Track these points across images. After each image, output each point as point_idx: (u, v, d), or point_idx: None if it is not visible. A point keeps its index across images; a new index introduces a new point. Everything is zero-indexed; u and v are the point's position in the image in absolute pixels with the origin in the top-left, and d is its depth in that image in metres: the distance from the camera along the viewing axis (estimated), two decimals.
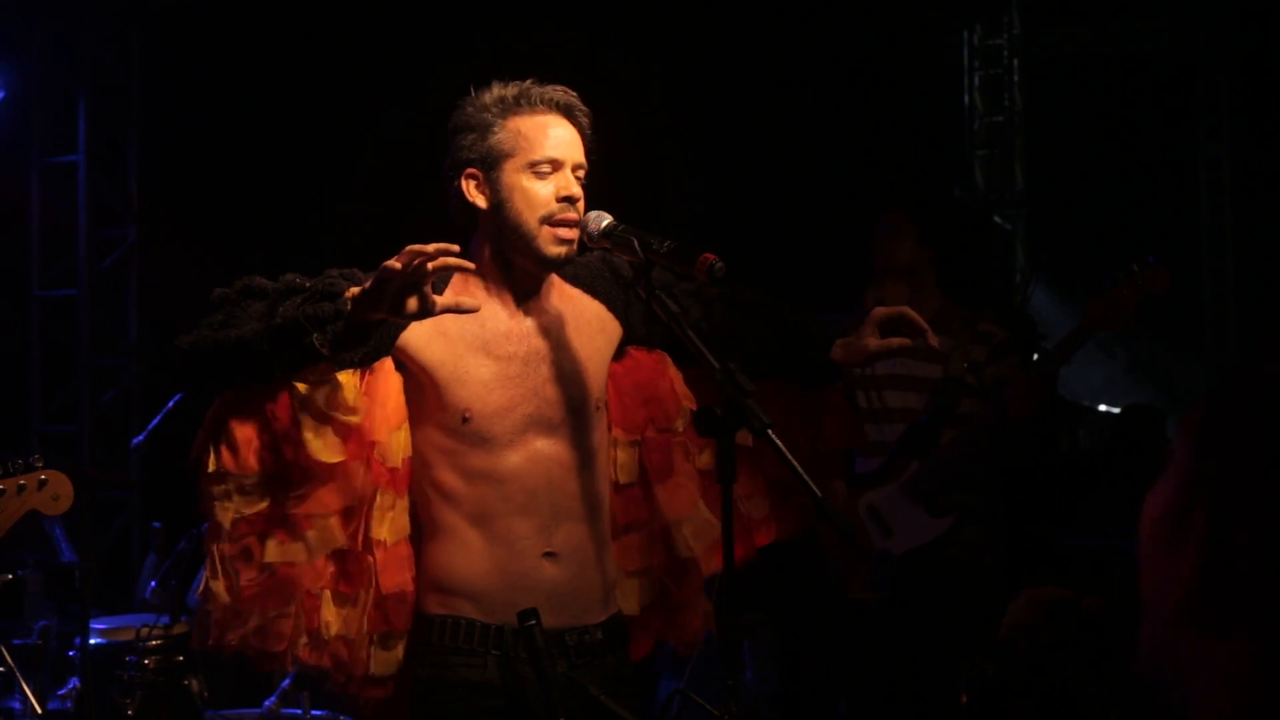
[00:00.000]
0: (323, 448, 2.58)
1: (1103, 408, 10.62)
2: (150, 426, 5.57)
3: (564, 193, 2.70)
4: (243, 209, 7.03)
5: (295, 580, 2.64)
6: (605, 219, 2.72)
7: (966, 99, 8.86)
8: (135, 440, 6.21)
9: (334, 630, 2.67)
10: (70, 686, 4.62)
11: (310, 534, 2.62)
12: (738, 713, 2.32)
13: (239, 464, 2.59)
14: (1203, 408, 1.09)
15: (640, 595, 2.96)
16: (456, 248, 2.43)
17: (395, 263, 2.35)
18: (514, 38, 6.65)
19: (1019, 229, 8.83)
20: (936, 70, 8.76)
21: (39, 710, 4.51)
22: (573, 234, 2.71)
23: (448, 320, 2.67)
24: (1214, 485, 1.03)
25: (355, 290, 2.45)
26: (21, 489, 2.93)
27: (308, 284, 2.51)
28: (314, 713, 4.76)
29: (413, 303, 2.42)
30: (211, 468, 2.61)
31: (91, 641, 4.37)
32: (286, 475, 2.63)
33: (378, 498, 2.69)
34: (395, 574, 2.72)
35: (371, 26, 7.08)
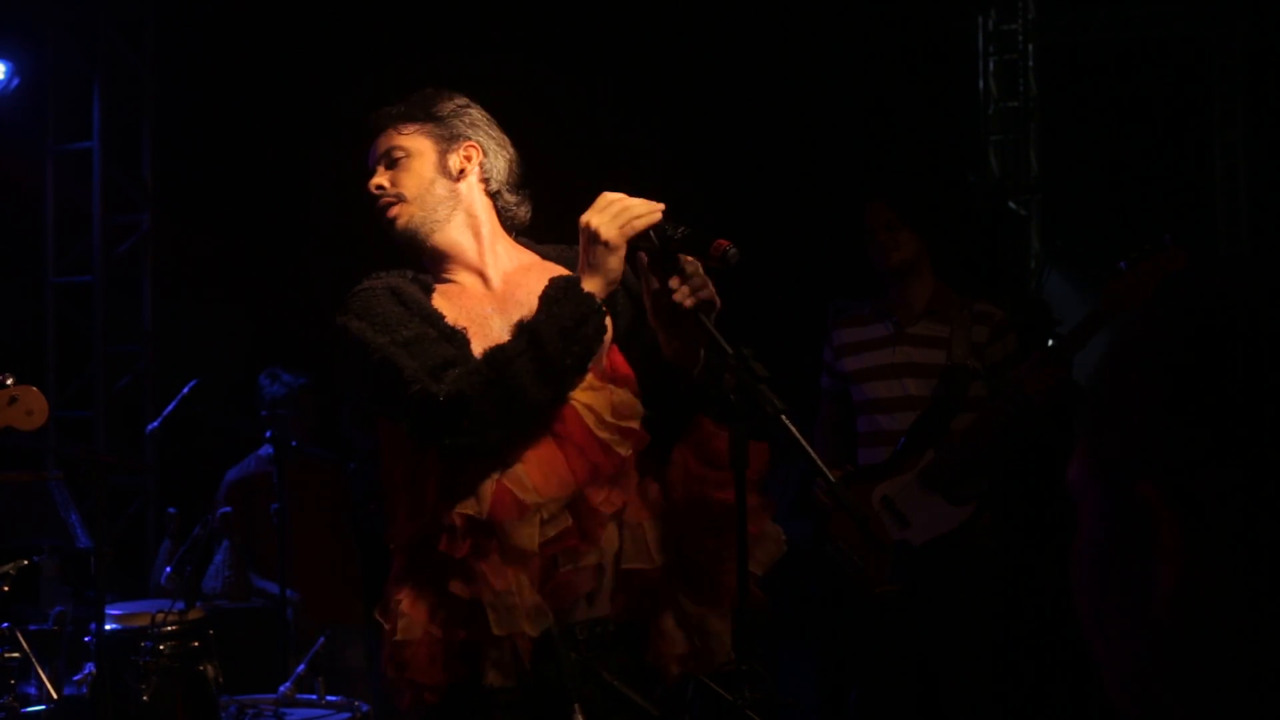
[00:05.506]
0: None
1: None
2: (165, 412, 5.58)
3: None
4: (256, 195, 7.04)
5: None
6: None
7: (981, 84, 8.83)
8: (150, 426, 6.23)
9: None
10: (85, 672, 4.62)
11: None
12: (752, 698, 2.32)
13: None
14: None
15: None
16: None
17: None
18: (528, 26, 6.66)
19: (1034, 215, 8.81)
20: (951, 56, 8.72)
21: (54, 695, 4.53)
22: (389, 213, 2.97)
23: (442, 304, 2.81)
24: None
25: None
26: None
27: None
28: (329, 698, 4.77)
29: None
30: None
31: (107, 627, 4.38)
32: None
33: None
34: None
35: (386, 14, 7.07)
